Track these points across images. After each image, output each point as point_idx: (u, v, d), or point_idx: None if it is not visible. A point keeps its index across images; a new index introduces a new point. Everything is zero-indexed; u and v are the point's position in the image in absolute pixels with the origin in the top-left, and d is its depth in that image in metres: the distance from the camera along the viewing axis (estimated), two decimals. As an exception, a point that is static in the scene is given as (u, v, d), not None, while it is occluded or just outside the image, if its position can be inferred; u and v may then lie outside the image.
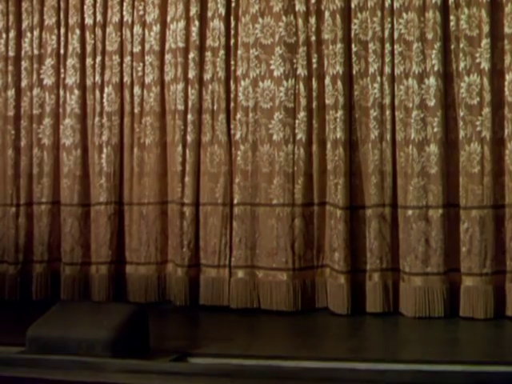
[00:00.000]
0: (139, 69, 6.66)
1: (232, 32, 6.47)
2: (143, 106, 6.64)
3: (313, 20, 6.34)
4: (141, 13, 6.68)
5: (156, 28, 6.63)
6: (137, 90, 6.66)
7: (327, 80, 6.30)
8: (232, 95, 6.48)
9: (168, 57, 6.63)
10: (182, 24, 6.54)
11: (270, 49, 6.39)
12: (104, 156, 6.68)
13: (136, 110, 6.66)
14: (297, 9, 6.37)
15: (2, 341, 5.19)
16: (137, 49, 6.67)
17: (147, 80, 6.65)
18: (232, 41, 6.48)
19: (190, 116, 6.53)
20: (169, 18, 6.64)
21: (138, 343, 4.96)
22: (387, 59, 6.17)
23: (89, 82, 6.77)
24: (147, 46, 6.65)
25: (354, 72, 6.25)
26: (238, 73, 6.47)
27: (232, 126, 6.48)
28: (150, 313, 5.22)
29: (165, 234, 6.60)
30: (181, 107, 6.54)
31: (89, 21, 6.78)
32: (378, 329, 6.02)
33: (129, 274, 6.62)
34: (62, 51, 6.84)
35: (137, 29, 6.68)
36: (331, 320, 6.22)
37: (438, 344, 5.44)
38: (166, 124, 6.63)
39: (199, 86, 6.53)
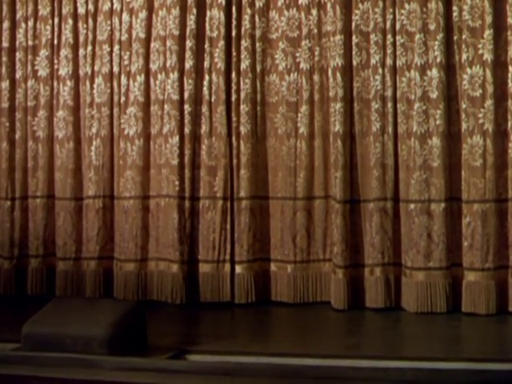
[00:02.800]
0: (125, 57, 6.54)
1: (234, 23, 6.36)
2: (128, 96, 6.51)
3: (315, 12, 6.25)
4: (128, -1, 6.56)
5: (142, 15, 6.50)
6: (123, 79, 6.53)
7: (329, 72, 6.21)
8: (234, 87, 6.37)
9: (155, 44, 6.50)
10: (176, 11, 6.42)
11: (275, 43, 6.34)
12: (93, 148, 6.57)
13: (122, 101, 6.53)
14: (299, 2, 6.28)
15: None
16: (124, 37, 6.55)
17: (133, 69, 6.52)
18: (234, 32, 6.37)
19: (186, 106, 6.42)
20: (157, 4, 6.51)
21: (135, 340, 4.87)
22: (389, 51, 6.08)
23: (81, 73, 6.66)
24: (134, 34, 6.52)
25: (355, 64, 6.15)
26: (244, 65, 6.36)
27: (234, 119, 6.38)
28: (147, 309, 5.13)
29: (147, 230, 6.47)
30: (176, 97, 6.42)
31: (81, 10, 6.66)
32: (379, 325, 5.94)
33: (116, 271, 6.51)
34: (55, 42, 6.73)
35: (124, 16, 6.54)
36: (332, 315, 6.14)
37: (441, 340, 5.38)
38: (150, 114, 6.49)
39: (196, 75, 6.42)
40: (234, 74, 6.37)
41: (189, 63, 6.41)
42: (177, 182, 6.40)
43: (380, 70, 6.08)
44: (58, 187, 6.65)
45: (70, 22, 6.65)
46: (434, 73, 5.94)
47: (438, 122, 5.95)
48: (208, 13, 6.41)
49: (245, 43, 6.34)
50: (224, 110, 6.37)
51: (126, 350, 4.73)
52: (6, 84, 6.80)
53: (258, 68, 6.35)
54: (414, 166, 5.99)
